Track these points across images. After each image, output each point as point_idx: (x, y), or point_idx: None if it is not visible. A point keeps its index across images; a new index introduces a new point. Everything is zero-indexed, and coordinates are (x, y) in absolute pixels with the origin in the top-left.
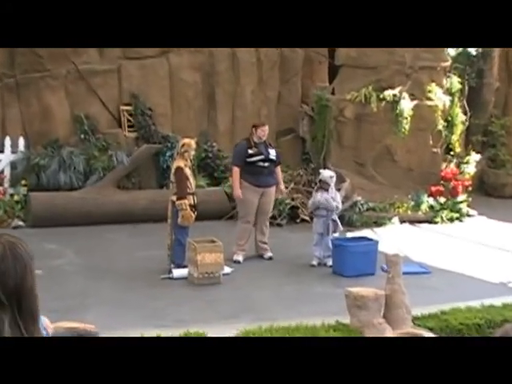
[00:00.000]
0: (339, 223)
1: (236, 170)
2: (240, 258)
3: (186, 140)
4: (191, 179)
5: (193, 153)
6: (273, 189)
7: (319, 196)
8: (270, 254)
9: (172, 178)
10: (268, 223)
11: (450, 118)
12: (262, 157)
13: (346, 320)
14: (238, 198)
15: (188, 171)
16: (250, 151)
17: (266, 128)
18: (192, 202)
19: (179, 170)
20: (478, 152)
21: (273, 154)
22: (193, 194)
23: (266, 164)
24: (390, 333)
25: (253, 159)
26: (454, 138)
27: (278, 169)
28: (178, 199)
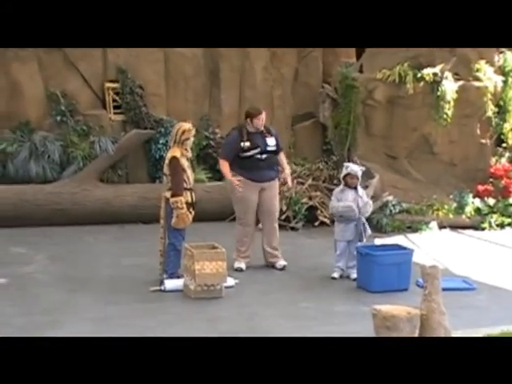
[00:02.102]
0: (368, 227)
1: (224, 163)
2: (242, 265)
3: (186, 125)
4: (189, 172)
5: (192, 139)
6: (275, 183)
7: (351, 196)
8: (282, 262)
9: (166, 169)
10: (277, 225)
11: (502, 103)
12: (257, 150)
13: None
14: (234, 184)
15: (185, 162)
16: (243, 144)
17: (263, 116)
18: (189, 200)
19: (174, 160)
20: None
21: (271, 143)
22: (190, 189)
23: (264, 156)
24: None
25: (247, 154)
26: (507, 126)
27: (281, 155)
28: (173, 196)
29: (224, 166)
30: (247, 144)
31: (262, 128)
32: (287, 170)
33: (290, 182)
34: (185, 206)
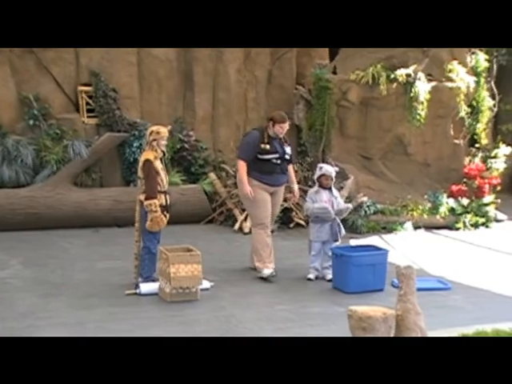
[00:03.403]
0: (342, 228)
1: (243, 165)
2: (271, 270)
3: (154, 127)
4: (162, 174)
5: (163, 142)
6: (283, 188)
7: (325, 196)
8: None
9: (140, 173)
10: None
11: (474, 103)
12: (276, 155)
13: None
14: (247, 196)
15: (159, 165)
16: (263, 146)
17: (287, 125)
18: (163, 203)
19: (148, 163)
20: (508, 144)
21: (288, 152)
22: (165, 192)
23: (279, 161)
24: None
25: (266, 157)
26: (480, 127)
27: (291, 168)
28: (147, 199)
29: (242, 168)
30: (267, 147)
31: (281, 136)
32: (295, 186)
33: (297, 195)
34: (159, 208)
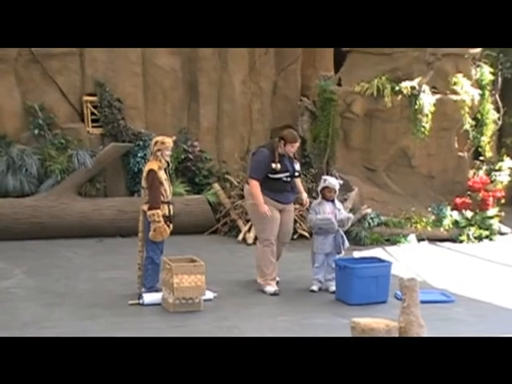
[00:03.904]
0: (346, 240)
1: (256, 184)
2: (275, 288)
3: (159, 137)
4: (166, 185)
5: (168, 153)
6: (292, 205)
7: (328, 208)
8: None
9: (143, 183)
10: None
11: (479, 116)
12: (287, 174)
13: None
14: (265, 215)
15: (163, 175)
16: (275, 166)
17: (298, 144)
18: (167, 213)
19: (151, 173)
20: None
21: (297, 169)
22: (168, 202)
23: (289, 179)
24: None
25: (277, 176)
26: (484, 139)
27: (299, 180)
28: (150, 209)
29: (256, 188)
30: (278, 166)
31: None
32: (304, 194)
33: (307, 203)
34: (162, 219)
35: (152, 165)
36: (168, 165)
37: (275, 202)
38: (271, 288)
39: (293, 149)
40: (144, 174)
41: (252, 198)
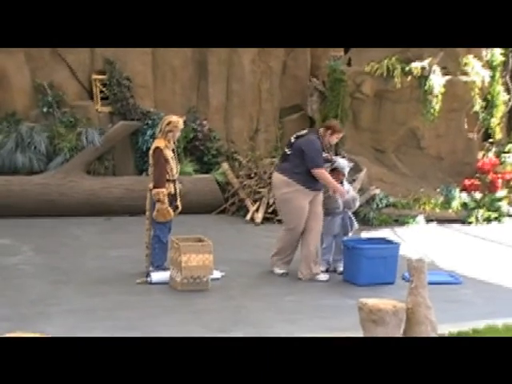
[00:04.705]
0: (354, 220)
1: (324, 172)
2: (285, 269)
3: (174, 118)
4: (172, 163)
5: (178, 134)
6: (321, 193)
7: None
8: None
9: (150, 160)
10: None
11: (489, 97)
12: (329, 164)
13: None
14: (343, 194)
15: (169, 153)
16: (325, 155)
17: (341, 135)
18: (172, 191)
19: (157, 150)
20: None
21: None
22: (174, 181)
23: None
24: None
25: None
26: (494, 121)
27: None
28: (155, 187)
29: (326, 174)
30: (325, 155)
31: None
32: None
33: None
34: (166, 198)
35: (159, 142)
36: (174, 144)
37: (307, 189)
38: (280, 270)
39: (335, 140)
40: (150, 151)
41: (285, 188)
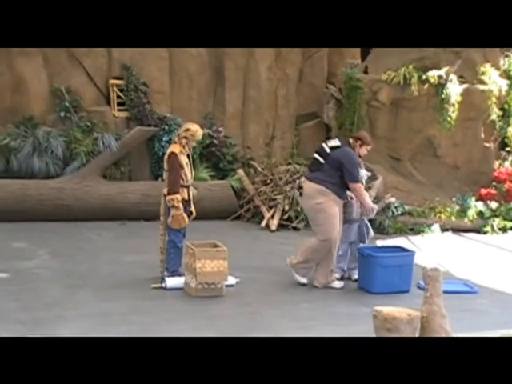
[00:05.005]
0: (371, 228)
1: (362, 187)
2: (306, 280)
3: (194, 127)
4: (186, 169)
5: (194, 144)
6: None
7: (354, 196)
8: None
9: (165, 165)
10: None
11: (506, 107)
12: (361, 174)
13: None
14: (373, 210)
15: (184, 159)
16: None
17: (370, 148)
18: (186, 197)
19: (172, 156)
20: None
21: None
22: (187, 186)
23: None
24: None
25: None
26: (511, 130)
27: None
28: (169, 193)
29: (363, 190)
30: (360, 167)
31: None
32: None
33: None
34: (181, 205)
35: (174, 148)
36: (190, 150)
37: (340, 198)
38: (302, 279)
39: (366, 151)
40: (166, 156)
41: (320, 198)
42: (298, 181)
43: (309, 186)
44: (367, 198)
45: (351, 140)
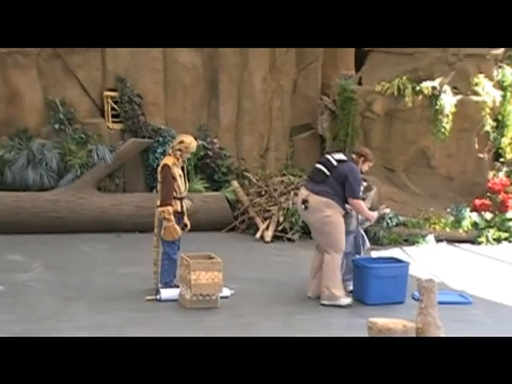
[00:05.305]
0: (366, 239)
1: (362, 203)
2: (349, 300)
3: (188, 139)
4: (180, 181)
5: (188, 156)
6: None
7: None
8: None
9: (158, 178)
10: None
11: (500, 118)
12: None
13: None
14: (373, 218)
15: (177, 171)
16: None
17: (371, 164)
18: (179, 209)
19: (165, 168)
20: None
21: None
22: (181, 198)
23: None
24: None
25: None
26: (505, 141)
27: None
28: (161, 205)
29: (363, 205)
30: (364, 184)
31: None
32: None
33: None
34: (172, 217)
35: (167, 160)
36: (183, 163)
37: (344, 210)
38: (347, 300)
39: (368, 168)
40: (159, 168)
41: (327, 211)
42: (296, 191)
43: (315, 200)
44: (367, 211)
45: (354, 156)
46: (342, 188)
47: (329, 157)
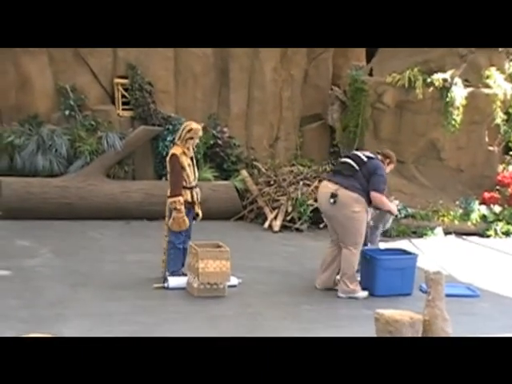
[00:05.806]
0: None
1: (383, 197)
2: (366, 293)
3: (194, 125)
4: (189, 170)
5: (197, 141)
6: None
7: None
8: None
9: (168, 167)
10: None
11: (511, 111)
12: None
13: None
14: (395, 211)
15: (186, 160)
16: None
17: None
18: (189, 199)
19: (173, 157)
20: None
21: None
22: (191, 188)
23: None
24: None
25: None
26: None
27: None
28: (171, 196)
29: (384, 198)
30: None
31: None
32: None
33: None
34: (182, 207)
35: (175, 149)
36: (193, 150)
37: (369, 207)
38: (364, 293)
39: (390, 170)
40: (167, 157)
41: (356, 207)
42: (305, 181)
43: (345, 194)
44: (389, 204)
45: (380, 156)
46: (368, 185)
47: (358, 153)
